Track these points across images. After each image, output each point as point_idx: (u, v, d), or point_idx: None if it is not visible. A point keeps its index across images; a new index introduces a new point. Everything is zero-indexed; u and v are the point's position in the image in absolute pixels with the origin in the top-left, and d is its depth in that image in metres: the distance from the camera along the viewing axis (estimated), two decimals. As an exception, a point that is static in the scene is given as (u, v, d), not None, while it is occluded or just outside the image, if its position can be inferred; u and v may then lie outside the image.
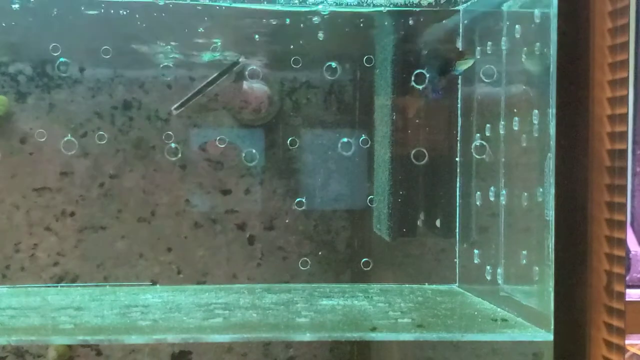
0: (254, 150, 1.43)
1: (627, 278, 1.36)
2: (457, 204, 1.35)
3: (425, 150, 1.36)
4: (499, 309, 1.17)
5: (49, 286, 1.40)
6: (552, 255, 0.98)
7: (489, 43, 1.23)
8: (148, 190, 1.43)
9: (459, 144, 1.34)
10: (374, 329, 1.04)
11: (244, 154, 1.43)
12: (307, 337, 1.02)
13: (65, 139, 1.39)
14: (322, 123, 1.44)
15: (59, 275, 1.42)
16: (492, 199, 1.21)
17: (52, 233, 1.42)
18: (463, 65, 1.11)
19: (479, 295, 1.27)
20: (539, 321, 1.03)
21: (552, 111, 0.98)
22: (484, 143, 1.28)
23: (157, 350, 1.46)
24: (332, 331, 1.03)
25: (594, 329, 0.96)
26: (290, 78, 1.44)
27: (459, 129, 1.34)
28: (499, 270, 1.18)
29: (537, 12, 1.06)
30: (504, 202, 1.17)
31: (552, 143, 0.98)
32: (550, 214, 0.99)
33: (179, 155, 1.41)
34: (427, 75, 1.13)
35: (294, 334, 1.03)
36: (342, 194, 1.45)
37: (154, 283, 1.43)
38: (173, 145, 1.41)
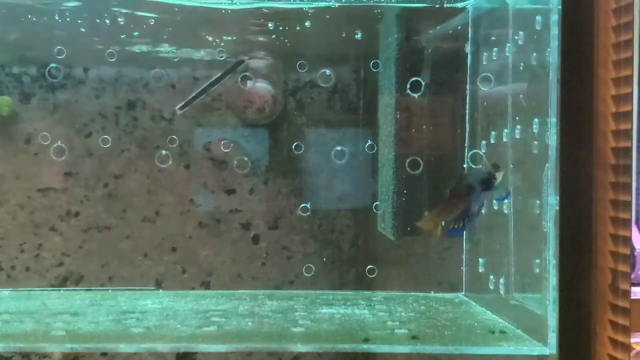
0: (245, 158, 1.42)
1: (632, 276, 1.36)
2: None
3: (428, 156, 1.35)
4: (500, 320, 1.14)
5: (52, 290, 1.40)
6: (549, 267, 0.97)
7: (495, 48, 1.23)
8: (152, 190, 1.43)
9: (466, 150, 1.34)
10: (366, 340, 1.02)
11: (235, 162, 1.42)
12: (299, 348, 1.01)
13: (55, 145, 1.39)
14: (328, 122, 1.44)
15: (64, 276, 1.42)
16: (495, 207, 1.20)
17: (56, 233, 1.42)
18: (499, 177, 1.11)
19: (484, 304, 1.25)
20: (542, 326, 1.01)
21: (550, 120, 0.97)
22: (482, 152, 1.27)
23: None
24: (324, 342, 1.02)
25: (599, 327, 0.96)
26: (294, 78, 1.44)
27: (466, 133, 1.34)
28: (502, 280, 1.17)
29: (539, 12, 1.05)
30: (506, 210, 1.16)
31: (551, 153, 0.97)
32: (548, 225, 0.98)
33: (170, 163, 1.41)
34: (480, 197, 1.11)
35: (286, 344, 1.01)
36: (346, 194, 1.45)
37: (158, 285, 1.43)
38: (164, 152, 1.41)
